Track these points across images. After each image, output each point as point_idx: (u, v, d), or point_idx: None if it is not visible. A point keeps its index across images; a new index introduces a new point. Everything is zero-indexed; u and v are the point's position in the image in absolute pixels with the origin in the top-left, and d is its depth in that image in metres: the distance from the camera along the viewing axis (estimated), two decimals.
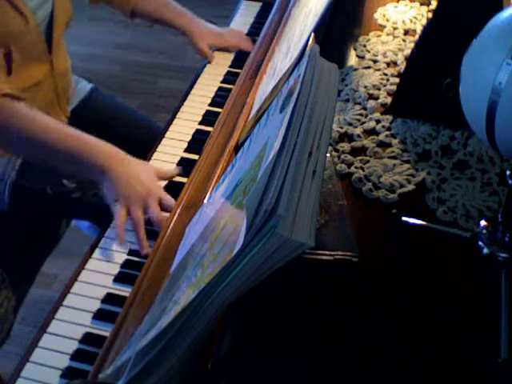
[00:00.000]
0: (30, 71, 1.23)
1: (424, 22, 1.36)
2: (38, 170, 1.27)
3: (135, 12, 1.47)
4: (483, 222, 0.88)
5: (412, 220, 0.91)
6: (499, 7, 0.95)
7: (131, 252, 1.00)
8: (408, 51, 1.26)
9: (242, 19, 1.63)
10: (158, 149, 1.20)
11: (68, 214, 1.43)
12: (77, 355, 0.86)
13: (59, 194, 1.26)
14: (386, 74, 1.21)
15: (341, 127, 1.09)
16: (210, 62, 1.43)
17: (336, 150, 1.05)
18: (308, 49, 0.82)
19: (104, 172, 1.04)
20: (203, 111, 1.31)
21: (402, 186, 0.97)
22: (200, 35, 1.44)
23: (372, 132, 1.08)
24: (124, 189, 1.03)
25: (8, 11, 1.14)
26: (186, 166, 1.14)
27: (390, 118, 1.11)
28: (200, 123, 1.27)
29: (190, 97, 1.36)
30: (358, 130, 1.08)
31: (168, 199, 1.04)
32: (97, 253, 1.00)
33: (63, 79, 1.34)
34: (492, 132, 0.72)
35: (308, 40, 0.94)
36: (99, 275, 0.96)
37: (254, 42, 1.45)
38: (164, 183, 1.10)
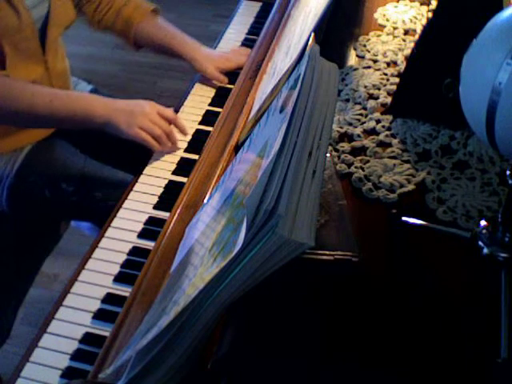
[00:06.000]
0: (24, 70, 1.22)
1: (424, 21, 1.36)
2: (36, 173, 1.27)
3: (138, 37, 1.42)
4: (483, 222, 0.88)
5: (412, 220, 0.91)
6: (499, 7, 0.95)
7: (131, 252, 1.00)
8: (408, 51, 1.26)
9: (242, 19, 1.63)
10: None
11: (66, 216, 1.43)
12: (77, 355, 0.86)
13: (57, 196, 1.26)
14: (386, 74, 1.21)
15: (341, 127, 1.09)
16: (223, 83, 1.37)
17: (336, 150, 1.05)
18: (308, 49, 0.82)
19: (101, 123, 1.15)
20: (203, 111, 1.31)
21: (402, 186, 0.97)
22: (205, 61, 1.37)
23: (372, 132, 1.08)
24: (126, 120, 1.14)
25: (0, 4, 1.13)
26: (186, 166, 1.15)
27: (390, 117, 1.11)
28: (200, 123, 1.27)
29: (189, 97, 1.36)
30: (358, 130, 1.08)
31: (162, 107, 1.19)
32: (97, 253, 1.00)
33: (60, 80, 1.34)
34: (492, 132, 0.72)
35: (308, 40, 0.94)
36: (99, 275, 0.96)
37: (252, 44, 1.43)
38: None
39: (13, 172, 1.26)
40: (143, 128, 1.15)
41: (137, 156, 1.19)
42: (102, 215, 1.09)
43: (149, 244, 1.00)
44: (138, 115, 1.15)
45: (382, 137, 1.07)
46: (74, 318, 0.91)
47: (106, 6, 1.39)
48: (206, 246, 0.72)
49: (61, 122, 1.19)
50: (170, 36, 1.40)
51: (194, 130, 1.25)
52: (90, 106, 1.16)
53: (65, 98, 1.19)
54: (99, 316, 0.90)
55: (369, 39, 1.32)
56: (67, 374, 0.84)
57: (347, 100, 1.16)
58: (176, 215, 0.99)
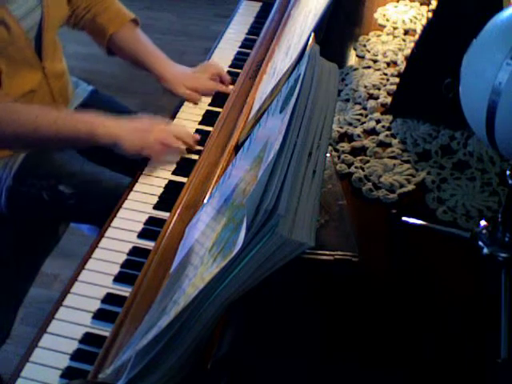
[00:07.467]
0: (21, 80, 1.21)
1: (424, 21, 1.36)
2: (34, 176, 1.27)
3: (112, 46, 1.40)
4: (483, 222, 0.88)
5: (412, 220, 0.91)
6: (499, 7, 0.95)
7: (131, 252, 1.00)
8: (408, 51, 1.26)
9: (242, 19, 1.63)
10: None
11: (65, 218, 1.42)
12: (77, 355, 0.86)
13: (55, 199, 1.25)
14: (386, 74, 1.21)
15: (341, 127, 1.09)
16: (196, 103, 1.34)
17: (336, 150, 1.05)
18: (308, 49, 0.82)
19: (106, 143, 1.14)
20: (203, 111, 1.31)
21: (401, 186, 0.97)
22: (175, 80, 1.35)
23: (372, 132, 1.08)
24: (130, 140, 1.14)
25: None
26: (186, 166, 1.15)
27: (390, 117, 1.11)
28: (200, 123, 1.27)
29: None
30: (358, 130, 1.08)
31: (170, 127, 1.19)
32: (97, 253, 1.00)
33: (59, 82, 1.33)
34: (492, 132, 0.72)
35: (308, 40, 0.94)
36: (99, 275, 0.96)
37: (236, 72, 1.42)
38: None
39: (11, 174, 1.25)
40: (145, 147, 1.15)
41: (134, 158, 1.18)
42: (100, 218, 1.09)
43: (149, 244, 1.00)
44: (141, 133, 1.15)
45: (382, 137, 1.07)
46: (74, 317, 0.91)
47: (82, 11, 1.38)
48: (205, 246, 0.72)
49: (65, 142, 1.19)
50: (144, 50, 1.38)
51: (194, 130, 1.25)
52: (92, 127, 1.15)
53: (68, 118, 1.18)
54: (99, 316, 0.90)
55: (369, 39, 1.32)
56: (67, 373, 0.84)
57: (347, 100, 1.16)
58: (176, 215, 0.99)
